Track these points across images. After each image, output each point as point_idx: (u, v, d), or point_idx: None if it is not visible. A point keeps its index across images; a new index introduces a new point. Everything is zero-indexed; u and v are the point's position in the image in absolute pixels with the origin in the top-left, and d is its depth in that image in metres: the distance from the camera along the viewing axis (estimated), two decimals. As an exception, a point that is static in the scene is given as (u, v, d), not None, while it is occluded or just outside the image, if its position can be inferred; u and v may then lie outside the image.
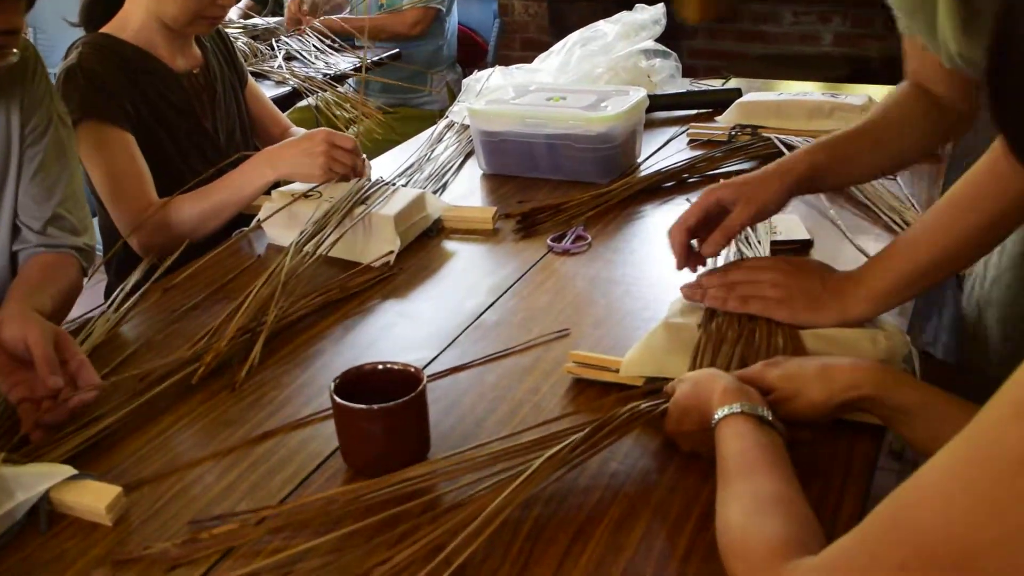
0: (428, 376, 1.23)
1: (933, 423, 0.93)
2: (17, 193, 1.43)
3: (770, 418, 0.93)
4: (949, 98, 1.25)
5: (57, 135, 1.46)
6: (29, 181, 1.43)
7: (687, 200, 1.74)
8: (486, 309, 1.41)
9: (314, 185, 1.67)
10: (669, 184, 1.83)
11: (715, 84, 2.44)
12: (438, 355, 1.29)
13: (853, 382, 0.97)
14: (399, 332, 1.36)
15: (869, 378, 0.97)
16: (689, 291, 1.25)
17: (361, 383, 1.07)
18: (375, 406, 1.01)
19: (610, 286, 1.45)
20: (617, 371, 1.17)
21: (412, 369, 1.08)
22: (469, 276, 1.53)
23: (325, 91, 2.80)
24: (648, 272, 1.49)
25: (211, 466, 1.09)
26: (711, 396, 0.97)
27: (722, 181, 1.25)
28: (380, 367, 1.09)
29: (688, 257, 1.27)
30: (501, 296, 1.44)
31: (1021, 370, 0.61)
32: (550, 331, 1.32)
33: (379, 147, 2.31)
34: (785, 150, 1.81)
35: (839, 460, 1.04)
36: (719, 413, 0.94)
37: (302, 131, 2.02)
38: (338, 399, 1.02)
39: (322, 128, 1.72)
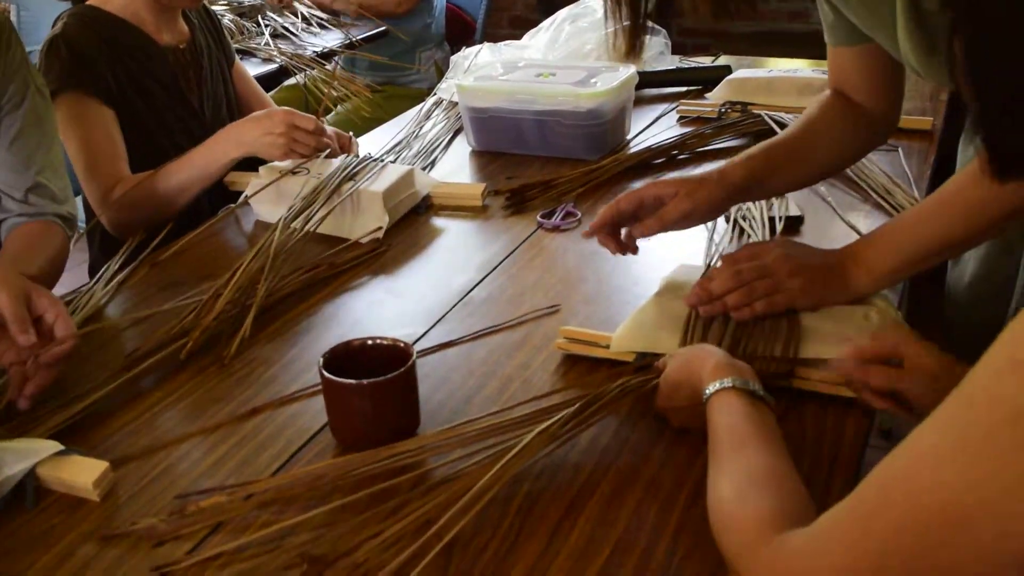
0: (417, 352, 1.22)
1: None
2: None
3: (761, 392, 0.93)
4: (872, 105, 1.27)
5: (35, 104, 1.44)
6: (7, 150, 1.41)
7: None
8: (475, 286, 1.40)
9: (301, 161, 1.66)
10: (659, 161, 1.82)
11: (705, 61, 2.43)
12: (427, 331, 1.29)
13: None
14: (388, 309, 1.35)
15: None
16: (707, 308, 1.16)
17: (350, 358, 1.06)
18: (364, 381, 1.00)
19: (600, 262, 1.44)
20: (607, 347, 1.17)
21: (401, 344, 1.07)
22: (458, 253, 1.52)
23: (312, 69, 2.78)
24: (641, 249, 1.48)
25: (198, 442, 1.08)
26: (702, 371, 0.97)
27: (664, 179, 1.24)
28: (369, 342, 1.08)
29: (612, 239, 1.24)
30: (490, 273, 1.44)
31: (1013, 325, 0.60)
32: (540, 307, 1.32)
33: (367, 125, 2.30)
34: (776, 127, 1.81)
35: (829, 436, 1.04)
36: (710, 388, 0.94)
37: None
38: (327, 374, 1.02)
39: (282, 108, 1.70)
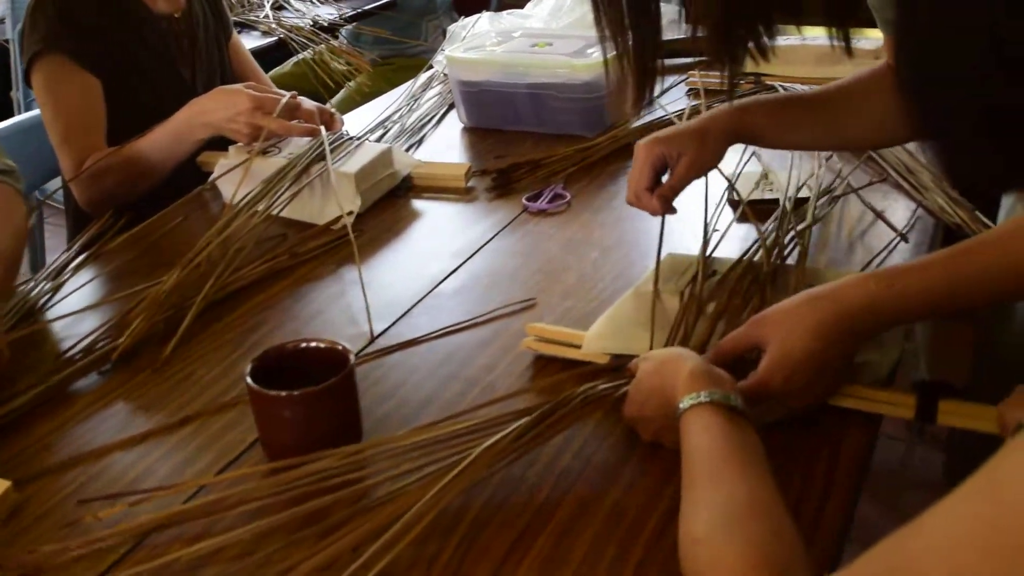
0: (374, 351, 1.11)
1: None
2: None
3: (743, 407, 0.81)
4: None
5: None
6: None
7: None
8: (448, 276, 1.28)
9: (273, 141, 1.54)
10: (661, 137, 1.68)
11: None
12: (389, 327, 1.17)
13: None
14: (349, 302, 1.24)
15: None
16: None
17: (284, 364, 0.95)
18: (295, 392, 0.89)
19: (585, 249, 1.32)
20: (580, 347, 1.05)
21: (339, 348, 0.95)
22: (435, 239, 1.40)
23: (314, 41, 2.66)
24: (626, 234, 1.36)
25: (121, 455, 0.98)
26: (675, 380, 0.84)
27: (652, 136, 1.15)
28: (303, 345, 0.96)
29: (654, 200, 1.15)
30: (466, 261, 1.32)
31: None
32: (515, 300, 1.20)
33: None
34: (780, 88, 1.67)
35: (825, 451, 0.91)
36: (684, 402, 0.82)
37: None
38: (252, 383, 0.90)
39: (246, 90, 1.55)
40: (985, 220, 1.27)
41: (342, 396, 0.92)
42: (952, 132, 0.54)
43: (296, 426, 0.91)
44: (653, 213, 1.15)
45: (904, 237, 1.27)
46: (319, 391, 0.89)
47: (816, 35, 2.03)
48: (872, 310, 0.90)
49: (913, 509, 0.50)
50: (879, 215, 1.32)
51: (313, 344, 0.96)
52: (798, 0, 0.94)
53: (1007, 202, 1.24)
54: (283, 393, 0.89)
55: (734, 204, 1.36)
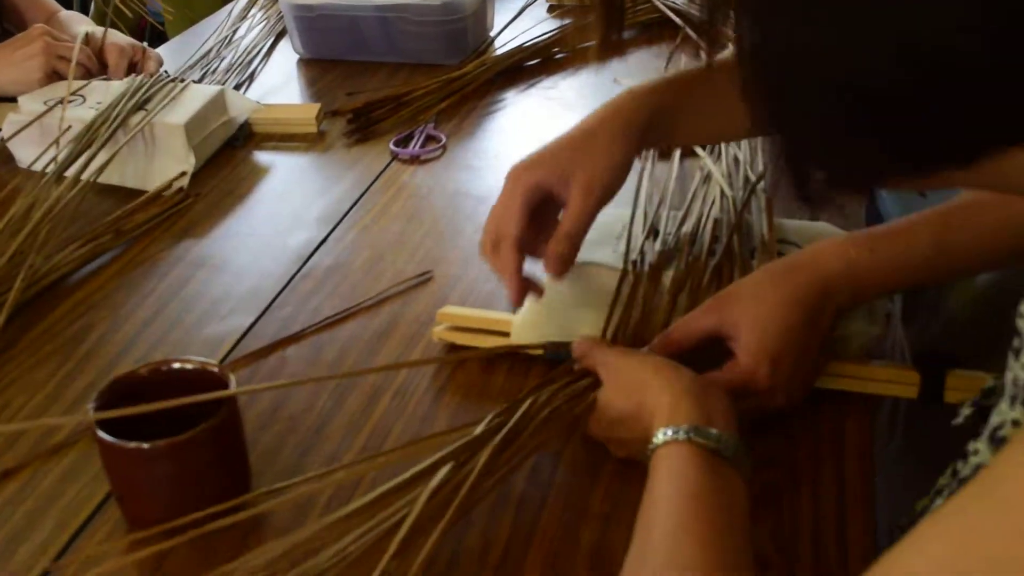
0: (244, 356, 0.88)
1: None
2: None
3: (731, 452, 0.63)
4: None
5: None
6: None
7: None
8: (318, 247, 1.06)
9: (76, 88, 1.26)
10: (533, 63, 1.48)
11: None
12: (256, 321, 0.94)
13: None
14: (200, 290, 1.00)
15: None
16: None
17: (139, 394, 0.72)
18: (160, 442, 0.66)
19: (477, 204, 1.12)
20: (507, 334, 0.85)
21: (213, 369, 0.73)
22: (291, 200, 1.16)
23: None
24: (525, 182, 1.16)
25: (-81, 536, 0.73)
26: (655, 406, 0.67)
27: (520, 164, 0.82)
28: (164, 368, 0.73)
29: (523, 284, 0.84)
30: (336, 227, 1.09)
31: None
32: (407, 275, 0.99)
33: (177, 32, 1.88)
34: (671, 14, 1.49)
35: (825, 447, 0.76)
36: (657, 436, 0.64)
37: (78, 17, 1.58)
38: (103, 434, 0.67)
39: (37, 25, 1.31)
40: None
41: (224, 438, 0.70)
42: (819, 117, 0.44)
43: (166, 484, 0.69)
44: (514, 291, 0.82)
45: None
46: (194, 437, 0.67)
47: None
48: (852, 278, 0.76)
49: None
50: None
51: (176, 365, 0.73)
52: None
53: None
54: (145, 445, 0.66)
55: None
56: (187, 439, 0.66)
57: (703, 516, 0.58)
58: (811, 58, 0.42)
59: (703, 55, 0.77)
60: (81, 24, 1.47)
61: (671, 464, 0.62)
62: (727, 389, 0.70)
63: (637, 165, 1.10)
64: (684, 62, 1.44)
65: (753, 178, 0.99)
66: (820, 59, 0.41)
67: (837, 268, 0.76)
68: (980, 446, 0.59)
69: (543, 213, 0.82)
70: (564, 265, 0.82)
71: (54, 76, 1.29)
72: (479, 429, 0.69)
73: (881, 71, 0.39)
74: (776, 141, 0.47)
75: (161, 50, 1.52)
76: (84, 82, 1.28)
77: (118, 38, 1.35)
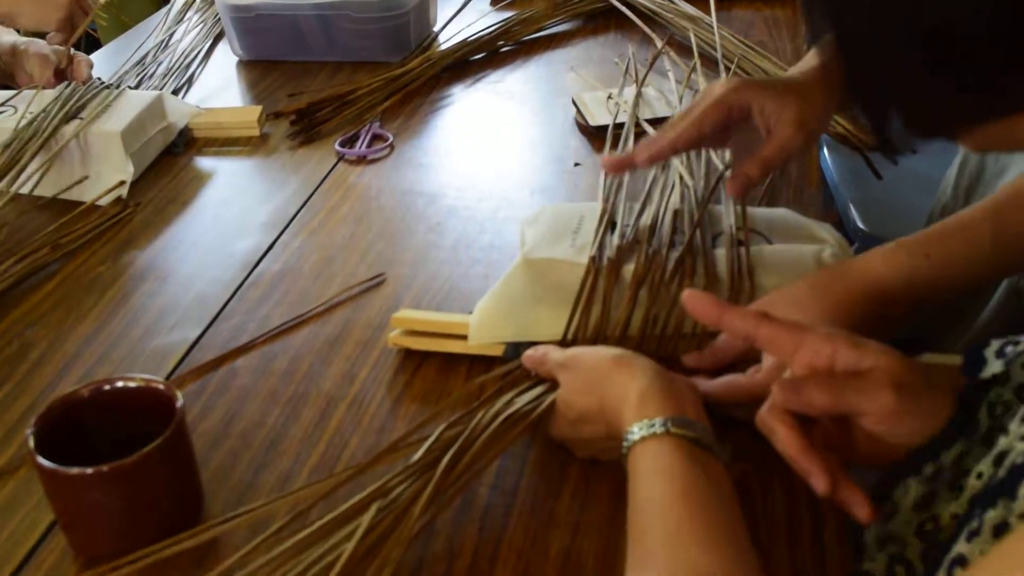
0: (190, 371, 0.85)
1: None
2: None
3: (709, 440, 0.61)
4: None
5: None
6: None
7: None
8: (265, 254, 1.02)
9: (4, 99, 1.21)
10: (478, 56, 1.46)
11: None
12: (203, 333, 0.91)
13: None
14: (145, 303, 0.96)
15: None
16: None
17: (81, 416, 0.68)
18: (103, 467, 0.63)
19: (428, 203, 1.09)
20: (464, 337, 0.83)
21: (159, 387, 0.69)
22: (236, 206, 1.13)
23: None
24: (477, 179, 1.14)
25: None
26: (622, 402, 0.64)
27: (741, 78, 0.85)
28: (107, 387, 0.70)
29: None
30: (284, 231, 1.06)
31: None
32: (358, 278, 0.96)
33: (110, 38, 1.83)
34: (620, 5, 1.47)
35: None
36: (634, 431, 0.61)
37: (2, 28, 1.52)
38: (42, 460, 0.63)
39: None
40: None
41: (173, 458, 0.67)
42: (905, 58, 0.46)
43: (113, 510, 0.65)
44: (648, 153, 0.84)
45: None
46: (141, 459, 0.63)
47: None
48: (909, 286, 0.72)
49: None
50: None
51: (120, 384, 0.70)
52: None
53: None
54: (89, 470, 0.63)
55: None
56: (133, 462, 0.63)
57: (700, 516, 0.56)
58: (908, 2, 0.43)
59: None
60: (4, 34, 1.42)
61: (654, 461, 0.60)
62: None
63: (595, 157, 1.08)
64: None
65: (720, 165, 0.97)
66: (918, 3, 0.43)
67: (891, 277, 0.73)
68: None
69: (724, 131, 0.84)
70: (744, 189, 0.84)
71: (72, 22, 1.31)
72: (426, 445, 0.66)
73: (981, 16, 0.41)
74: (857, 87, 0.49)
75: (95, 56, 1.47)
76: (12, 92, 1.23)
77: (40, 47, 1.31)
